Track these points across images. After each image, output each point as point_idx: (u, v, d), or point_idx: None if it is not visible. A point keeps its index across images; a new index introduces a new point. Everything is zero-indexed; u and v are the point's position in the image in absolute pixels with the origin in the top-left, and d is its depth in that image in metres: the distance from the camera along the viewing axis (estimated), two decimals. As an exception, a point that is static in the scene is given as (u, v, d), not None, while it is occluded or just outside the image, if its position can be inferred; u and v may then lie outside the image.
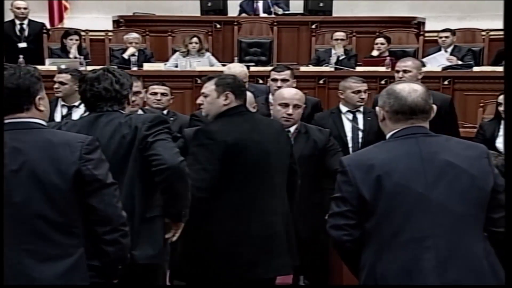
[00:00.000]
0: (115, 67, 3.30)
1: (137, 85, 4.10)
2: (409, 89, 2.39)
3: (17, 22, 8.24)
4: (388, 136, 2.44)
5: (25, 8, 8.25)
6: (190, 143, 3.18)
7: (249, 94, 3.71)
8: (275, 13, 9.24)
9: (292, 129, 3.99)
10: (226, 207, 3.08)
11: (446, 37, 8.05)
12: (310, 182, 3.85)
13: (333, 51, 7.96)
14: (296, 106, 3.97)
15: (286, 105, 3.97)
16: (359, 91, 4.78)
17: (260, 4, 9.45)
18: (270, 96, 5.09)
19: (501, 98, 4.83)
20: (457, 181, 2.28)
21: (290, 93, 4.05)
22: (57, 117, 4.86)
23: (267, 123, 3.38)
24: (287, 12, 9.38)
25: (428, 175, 2.29)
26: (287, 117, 3.94)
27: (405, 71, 4.85)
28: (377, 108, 2.47)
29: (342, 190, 2.35)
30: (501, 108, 4.77)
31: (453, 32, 8.15)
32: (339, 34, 8.09)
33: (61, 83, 4.94)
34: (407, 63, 4.95)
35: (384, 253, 2.28)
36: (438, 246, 2.23)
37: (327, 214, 2.44)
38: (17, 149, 2.22)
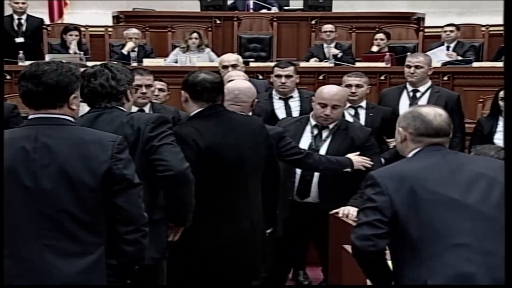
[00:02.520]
0: (116, 62, 3.27)
1: (149, 79, 4.15)
2: (435, 113, 2.46)
3: (16, 17, 8.20)
4: (410, 154, 2.47)
5: (23, 3, 8.21)
6: None
7: (246, 87, 3.60)
8: (267, 8, 9.26)
9: (331, 125, 3.99)
10: (201, 213, 2.96)
11: (451, 31, 7.97)
12: (346, 181, 3.76)
13: (325, 45, 7.98)
14: (335, 107, 3.93)
15: (324, 105, 3.93)
16: (350, 85, 4.79)
17: (251, 3, 9.44)
18: (274, 92, 5.12)
19: (502, 94, 4.82)
20: (489, 189, 2.35)
21: (329, 93, 3.96)
22: None
23: (245, 123, 3.20)
24: (286, 7, 9.38)
25: (460, 183, 2.34)
26: (324, 117, 3.94)
27: (417, 67, 4.93)
28: (399, 128, 2.49)
29: (374, 200, 2.34)
30: (502, 103, 4.77)
31: (457, 27, 8.09)
32: (328, 27, 8.12)
33: None
34: (419, 59, 5.00)
35: (430, 261, 2.27)
36: (483, 250, 2.26)
37: (354, 225, 2.43)
38: (47, 145, 2.23)
